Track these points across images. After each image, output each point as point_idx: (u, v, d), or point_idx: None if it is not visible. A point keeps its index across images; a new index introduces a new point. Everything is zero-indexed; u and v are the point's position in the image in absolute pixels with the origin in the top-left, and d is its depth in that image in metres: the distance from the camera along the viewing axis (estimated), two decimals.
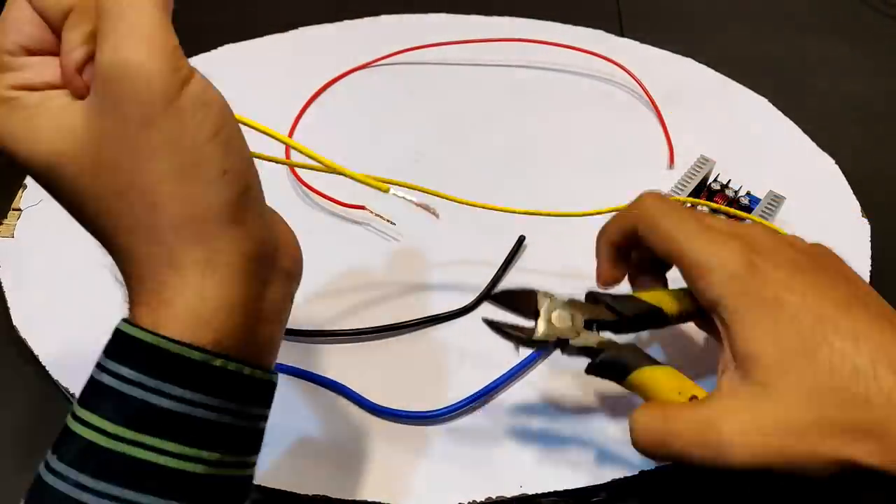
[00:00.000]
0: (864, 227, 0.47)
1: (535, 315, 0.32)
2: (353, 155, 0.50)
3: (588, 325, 0.32)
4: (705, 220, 0.31)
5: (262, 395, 0.26)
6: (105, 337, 0.40)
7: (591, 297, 0.33)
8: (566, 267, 0.44)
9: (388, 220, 0.46)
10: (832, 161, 0.51)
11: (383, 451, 0.36)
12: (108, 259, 0.25)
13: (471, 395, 0.38)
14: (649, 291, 0.33)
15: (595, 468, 0.35)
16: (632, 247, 0.34)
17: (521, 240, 0.45)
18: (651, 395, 0.30)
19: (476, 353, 0.40)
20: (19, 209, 0.47)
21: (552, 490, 0.35)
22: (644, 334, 0.41)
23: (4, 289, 0.42)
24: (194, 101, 0.23)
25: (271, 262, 0.26)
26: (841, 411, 0.25)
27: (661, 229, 0.31)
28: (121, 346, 0.23)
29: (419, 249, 0.45)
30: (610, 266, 0.35)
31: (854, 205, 0.48)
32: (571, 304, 0.32)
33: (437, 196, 0.39)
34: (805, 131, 0.53)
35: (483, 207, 0.41)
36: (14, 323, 0.41)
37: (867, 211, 0.48)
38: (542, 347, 0.32)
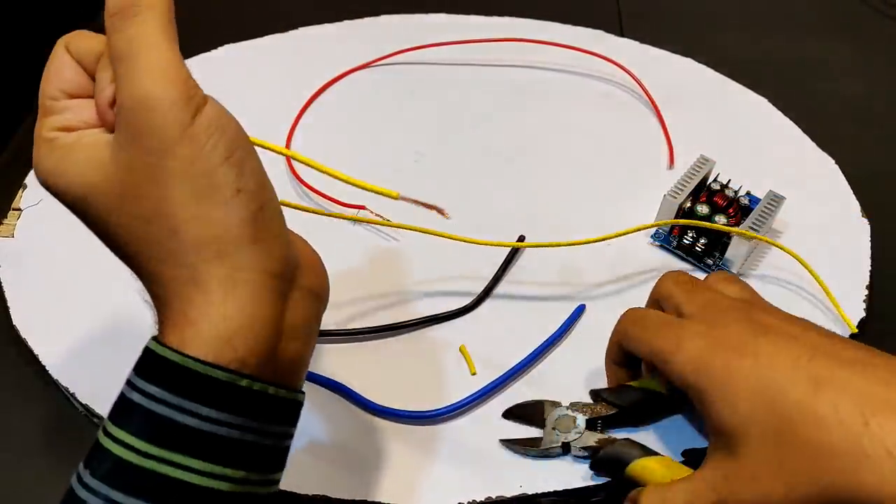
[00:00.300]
0: (864, 227, 0.47)
1: (544, 423, 0.36)
2: (353, 155, 0.50)
3: (593, 423, 0.36)
4: (679, 308, 0.33)
5: (287, 414, 0.26)
6: (104, 335, 0.40)
7: (593, 394, 0.37)
8: (565, 267, 0.44)
9: (388, 221, 0.46)
10: (832, 161, 0.51)
11: (383, 451, 0.36)
12: (139, 284, 0.26)
13: (471, 395, 0.38)
14: (645, 378, 0.37)
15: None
16: (631, 358, 0.36)
17: (521, 239, 0.45)
18: (647, 483, 0.32)
19: (476, 352, 0.40)
20: (19, 209, 0.47)
21: (552, 490, 0.35)
22: None
23: (4, 288, 0.42)
24: (207, 126, 0.24)
25: (292, 280, 0.27)
26: (811, 466, 0.25)
27: (631, 336, 0.34)
28: (149, 364, 0.24)
29: (419, 249, 0.45)
30: (616, 380, 0.37)
31: (854, 205, 0.48)
32: (574, 406, 0.36)
33: (421, 231, 0.39)
34: (805, 131, 0.53)
35: (470, 242, 0.41)
36: (14, 323, 0.41)
37: (867, 211, 0.48)
38: (552, 454, 0.36)
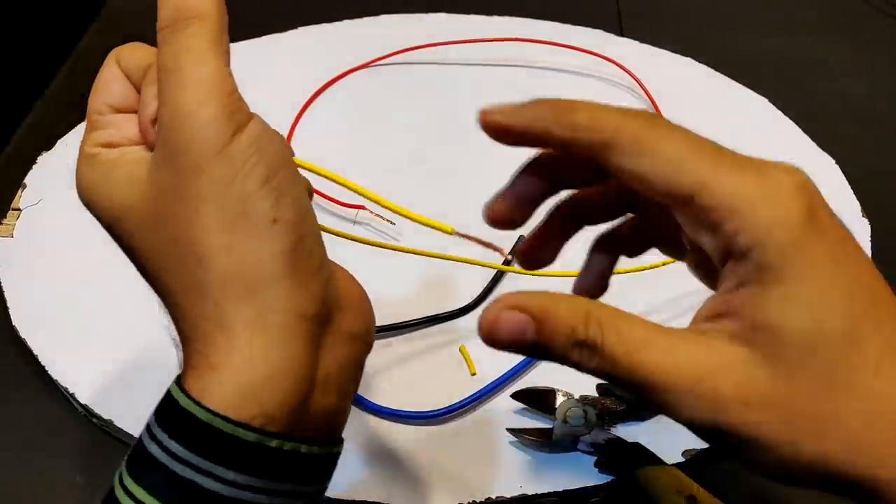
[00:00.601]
0: (864, 228, 0.47)
1: (552, 411, 0.36)
2: (353, 154, 0.50)
3: (601, 418, 0.35)
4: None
5: (321, 471, 0.24)
6: (103, 335, 0.40)
7: (601, 388, 0.37)
8: (565, 266, 0.44)
9: (388, 221, 0.46)
10: (832, 161, 0.51)
11: (383, 451, 0.36)
12: (167, 318, 0.24)
13: (471, 395, 0.38)
14: None
15: (594, 469, 0.35)
16: (562, 184, 0.26)
17: (520, 239, 0.45)
18: (651, 493, 0.32)
19: (476, 353, 0.40)
20: (19, 209, 0.47)
21: (552, 490, 0.35)
22: None
23: (4, 288, 0.42)
24: (247, 147, 0.22)
25: (330, 321, 0.24)
26: (874, 434, 0.20)
27: (659, 152, 0.21)
28: (171, 415, 0.22)
29: (419, 249, 0.45)
30: (514, 202, 0.27)
31: (854, 205, 0.48)
32: (584, 399, 0.36)
33: (417, 253, 0.39)
34: (805, 131, 0.53)
35: (461, 262, 0.41)
36: (13, 323, 0.41)
37: (867, 211, 0.48)
38: (561, 446, 0.36)
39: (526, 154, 0.26)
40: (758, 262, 0.20)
